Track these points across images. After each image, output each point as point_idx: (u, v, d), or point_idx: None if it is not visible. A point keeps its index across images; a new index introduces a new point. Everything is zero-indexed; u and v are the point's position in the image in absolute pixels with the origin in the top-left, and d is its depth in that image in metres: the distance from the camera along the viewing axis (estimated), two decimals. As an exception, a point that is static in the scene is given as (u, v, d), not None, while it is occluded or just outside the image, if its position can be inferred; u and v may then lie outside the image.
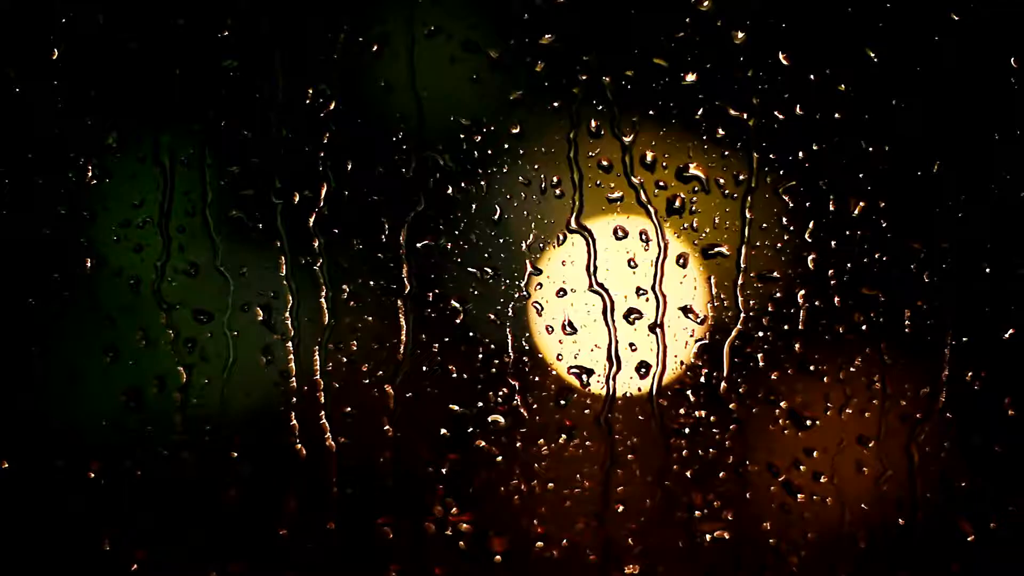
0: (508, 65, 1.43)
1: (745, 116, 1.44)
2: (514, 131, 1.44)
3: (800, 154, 1.45)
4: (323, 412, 1.47)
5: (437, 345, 1.47)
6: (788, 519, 1.49)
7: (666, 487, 1.48)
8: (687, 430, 1.47)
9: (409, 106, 1.44)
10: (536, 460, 1.48)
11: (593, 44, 1.43)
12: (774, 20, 1.44)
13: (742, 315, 1.46)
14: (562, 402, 1.47)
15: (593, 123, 1.43)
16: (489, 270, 1.46)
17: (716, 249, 1.45)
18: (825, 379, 1.48)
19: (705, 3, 1.43)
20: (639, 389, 1.46)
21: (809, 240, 1.46)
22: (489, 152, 1.44)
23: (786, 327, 1.47)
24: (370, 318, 1.47)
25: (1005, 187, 1.46)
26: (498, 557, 1.49)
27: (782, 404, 1.48)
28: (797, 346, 1.47)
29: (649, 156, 1.44)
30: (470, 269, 1.46)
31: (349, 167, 1.45)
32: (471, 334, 1.46)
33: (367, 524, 1.48)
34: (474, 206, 1.45)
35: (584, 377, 1.46)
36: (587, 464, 1.48)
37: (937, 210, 1.47)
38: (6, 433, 1.50)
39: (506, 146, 1.44)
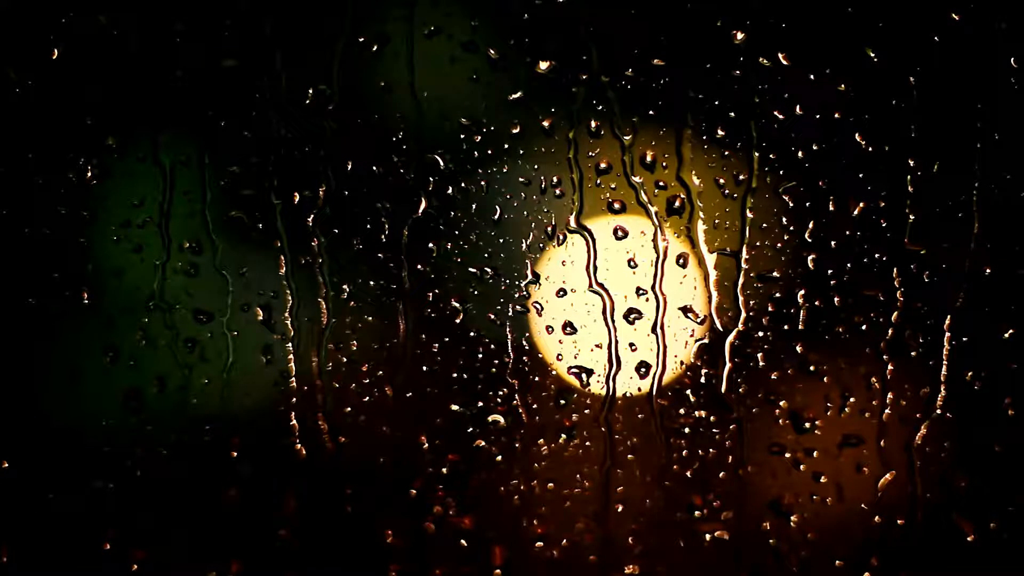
0: (508, 65, 1.43)
1: (745, 116, 1.44)
2: (514, 131, 1.44)
3: (800, 154, 1.45)
4: (323, 412, 1.47)
5: (437, 345, 1.46)
6: (788, 519, 1.49)
7: (666, 487, 1.48)
8: (687, 430, 1.47)
9: (409, 106, 1.44)
10: (536, 460, 1.47)
11: (593, 44, 1.43)
12: (774, 20, 1.44)
13: (742, 315, 1.46)
14: (562, 402, 1.47)
15: (593, 123, 1.43)
16: (489, 270, 1.46)
17: (716, 249, 1.45)
18: (825, 379, 1.48)
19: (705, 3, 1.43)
20: (639, 389, 1.46)
21: (809, 240, 1.46)
22: (489, 152, 1.44)
23: (786, 327, 1.47)
24: (370, 318, 1.47)
25: (1005, 187, 1.46)
26: (498, 558, 1.49)
27: (782, 404, 1.48)
28: (797, 346, 1.47)
29: (649, 156, 1.44)
30: (470, 269, 1.46)
31: (349, 167, 1.45)
32: (471, 334, 1.46)
33: (367, 524, 1.48)
34: (474, 206, 1.45)
35: (584, 377, 1.46)
36: (587, 464, 1.48)
37: (937, 210, 1.47)
38: (6, 433, 1.50)
39: (506, 146, 1.44)
